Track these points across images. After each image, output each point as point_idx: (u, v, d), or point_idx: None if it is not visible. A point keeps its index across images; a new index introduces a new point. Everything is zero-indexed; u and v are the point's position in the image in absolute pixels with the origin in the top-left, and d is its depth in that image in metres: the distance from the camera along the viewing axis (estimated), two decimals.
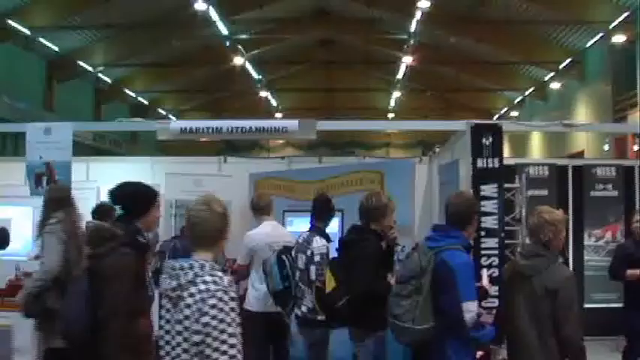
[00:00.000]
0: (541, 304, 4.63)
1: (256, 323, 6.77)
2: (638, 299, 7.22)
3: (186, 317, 3.11)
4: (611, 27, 22.75)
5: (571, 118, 23.33)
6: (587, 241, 10.53)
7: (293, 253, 6.43)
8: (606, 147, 23.71)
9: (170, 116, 32.73)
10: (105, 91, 29.79)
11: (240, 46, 27.77)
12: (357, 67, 34.20)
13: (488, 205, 6.65)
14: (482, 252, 6.64)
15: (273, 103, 37.62)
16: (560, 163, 11.10)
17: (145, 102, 33.82)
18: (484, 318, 4.69)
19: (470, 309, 4.51)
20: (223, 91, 34.89)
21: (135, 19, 23.17)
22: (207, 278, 3.15)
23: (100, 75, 28.72)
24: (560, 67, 27.77)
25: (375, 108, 36.94)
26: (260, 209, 7.24)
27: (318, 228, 6.44)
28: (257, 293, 6.89)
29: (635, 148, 21.24)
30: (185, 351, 3.11)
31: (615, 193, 10.61)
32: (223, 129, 8.14)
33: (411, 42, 27.28)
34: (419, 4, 22.41)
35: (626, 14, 22.01)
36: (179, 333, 3.14)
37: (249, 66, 31.02)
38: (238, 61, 28.75)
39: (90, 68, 27.37)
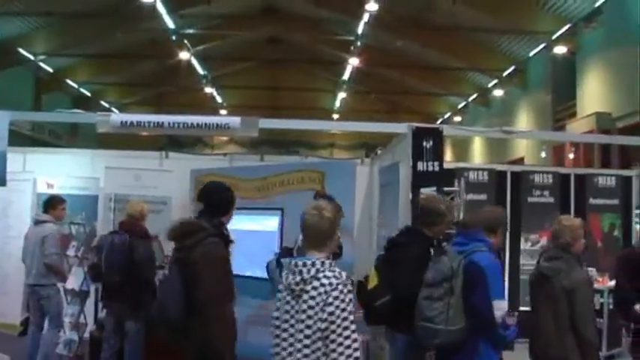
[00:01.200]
0: (560, 303, 5.08)
1: None
2: None
3: (310, 307, 3.57)
4: (553, 38, 23.25)
5: (512, 125, 23.82)
6: (524, 246, 10.72)
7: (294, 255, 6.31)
8: (543, 154, 24.22)
9: (113, 109, 32.18)
10: (46, 80, 29.00)
11: (186, 41, 27.47)
12: (303, 67, 34.25)
13: None
14: None
15: (219, 99, 37.35)
16: (500, 168, 11.28)
17: (88, 94, 33.14)
18: (508, 320, 4.94)
19: (500, 307, 4.84)
20: (168, 86, 34.52)
21: (79, 7, 22.67)
22: (329, 274, 3.62)
23: (41, 64, 27.94)
24: (504, 74, 28.25)
25: (320, 108, 37.00)
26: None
27: None
28: None
29: (571, 156, 21.76)
30: (307, 337, 3.54)
31: (552, 199, 10.83)
32: (164, 124, 8.06)
33: (358, 44, 27.38)
34: (367, 7, 22.50)
35: (568, 26, 22.53)
36: (302, 321, 3.59)
37: (194, 61, 30.71)
38: (184, 56, 28.42)
39: (30, 56, 26.63)
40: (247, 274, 7.91)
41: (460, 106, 35.64)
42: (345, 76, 32.86)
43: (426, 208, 5.67)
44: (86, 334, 8.51)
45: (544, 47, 24.53)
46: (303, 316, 3.59)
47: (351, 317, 3.58)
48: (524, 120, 27.48)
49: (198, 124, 8.05)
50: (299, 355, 3.59)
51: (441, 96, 35.95)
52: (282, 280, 3.85)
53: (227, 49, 32.26)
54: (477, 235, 5.06)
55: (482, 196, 10.51)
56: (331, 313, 3.50)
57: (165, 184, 9.96)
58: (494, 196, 10.67)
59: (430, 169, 6.79)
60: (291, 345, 3.65)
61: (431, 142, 6.82)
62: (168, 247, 7.32)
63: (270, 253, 7.54)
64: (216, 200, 5.18)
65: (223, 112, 35.56)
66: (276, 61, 33.03)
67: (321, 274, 3.62)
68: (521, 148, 26.70)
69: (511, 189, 10.86)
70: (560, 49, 23.07)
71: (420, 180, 6.73)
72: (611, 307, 9.09)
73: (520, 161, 24.82)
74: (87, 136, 25.66)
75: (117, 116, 9.54)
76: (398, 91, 34.67)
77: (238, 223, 8.11)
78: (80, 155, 11.50)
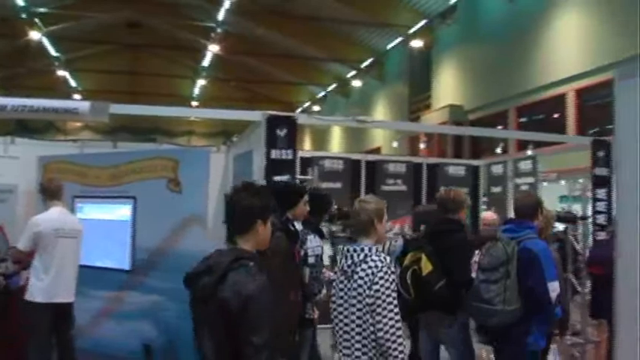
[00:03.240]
0: None
1: (41, 314, 6.42)
2: None
3: (359, 286, 4.18)
4: (410, 32, 23.94)
5: (370, 116, 24.32)
6: None
7: None
8: (395, 144, 24.94)
9: None
10: None
11: (37, 20, 26.17)
12: (163, 52, 33.55)
13: None
14: None
15: (72, 83, 35.93)
16: (355, 157, 11.47)
17: None
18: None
19: (554, 287, 5.26)
20: (18, 68, 32.80)
21: None
22: (375, 258, 4.21)
23: None
24: (362, 66, 28.82)
25: (179, 95, 36.39)
26: (50, 194, 6.83)
27: (311, 224, 6.14)
28: (41, 284, 6.50)
29: (422, 146, 22.55)
30: (358, 310, 4.20)
31: (404, 187, 11.13)
32: (8, 107, 7.58)
33: (219, 30, 27.15)
34: None
35: (424, 21, 23.27)
36: (354, 297, 4.22)
37: (46, 42, 29.35)
38: (35, 35, 27.11)
39: None
40: (98, 264, 7.63)
41: (319, 95, 36.09)
42: (205, 63, 32.49)
43: (446, 198, 6.05)
44: None
45: (401, 41, 25.23)
46: (354, 293, 4.22)
47: (394, 294, 4.16)
48: (381, 111, 28.18)
49: (44, 108, 7.62)
50: (353, 325, 4.26)
51: (300, 85, 36.25)
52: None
53: (83, 31, 30.98)
54: (524, 224, 5.55)
55: (338, 184, 10.67)
56: (377, 291, 4.12)
57: (11, 171, 9.42)
58: (350, 184, 10.85)
59: (284, 157, 6.76)
60: (345, 317, 4.31)
61: (285, 131, 6.79)
62: (13, 238, 6.99)
63: (123, 243, 7.35)
64: (281, 196, 5.22)
65: (78, 96, 34.25)
66: (136, 45, 32.13)
67: (368, 259, 4.22)
68: (378, 138, 27.37)
69: (366, 177, 11.08)
70: (416, 43, 23.80)
71: (273, 168, 6.70)
72: None
73: (377, 151, 25.44)
74: None
75: None
76: (258, 80, 34.64)
77: (89, 212, 7.87)
78: None
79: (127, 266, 7.48)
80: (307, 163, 9.81)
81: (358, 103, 30.64)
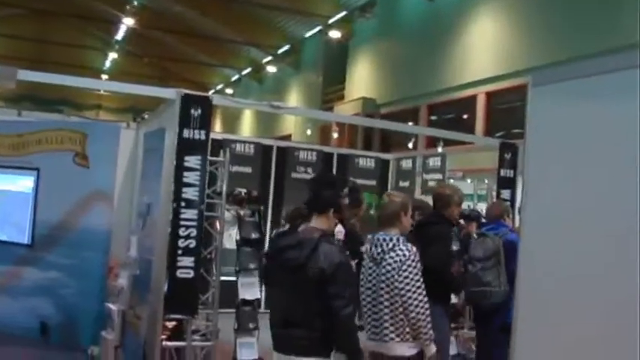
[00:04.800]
0: None
1: None
2: None
3: (388, 272, 4.67)
4: (329, 22, 23.97)
5: (283, 102, 24.25)
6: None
7: None
8: (309, 132, 25.01)
9: None
10: None
11: None
12: (74, 22, 32.47)
13: (191, 177, 6.57)
14: (181, 223, 6.55)
15: None
16: (266, 142, 11.44)
17: None
18: None
19: None
20: None
21: None
22: (402, 247, 4.71)
23: None
24: (279, 52, 28.70)
25: (89, 67, 35.41)
26: None
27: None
28: None
29: (335, 135, 22.69)
30: (387, 293, 4.68)
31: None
32: None
33: (135, 3, 26.48)
34: None
35: (344, 13, 23.35)
36: (382, 282, 4.70)
37: None
38: None
39: None
40: None
41: (234, 78, 35.78)
42: (119, 36, 31.68)
43: (436, 194, 6.58)
44: None
45: (319, 30, 25.22)
46: (383, 278, 4.70)
47: (421, 279, 4.67)
48: (294, 98, 28.17)
49: None
50: (382, 307, 4.72)
51: (215, 67, 35.83)
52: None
53: None
54: (501, 223, 6.69)
55: (248, 169, 10.61)
56: (406, 277, 4.62)
57: None
58: (260, 169, 10.81)
59: (197, 137, 6.64)
60: (374, 299, 4.78)
61: (199, 111, 6.67)
62: None
63: (23, 216, 7.10)
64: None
65: None
66: (46, 12, 30.93)
67: (397, 247, 4.70)
68: (289, 125, 27.38)
69: (276, 164, 11.06)
70: (334, 34, 23.84)
71: (185, 148, 6.58)
72: None
73: (288, 138, 25.43)
74: None
75: None
76: (172, 58, 34.06)
77: None
78: None
79: (26, 240, 7.23)
80: (218, 145, 9.71)
81: (272, 89, 30.54)
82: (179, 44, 31.20)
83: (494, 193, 9.01)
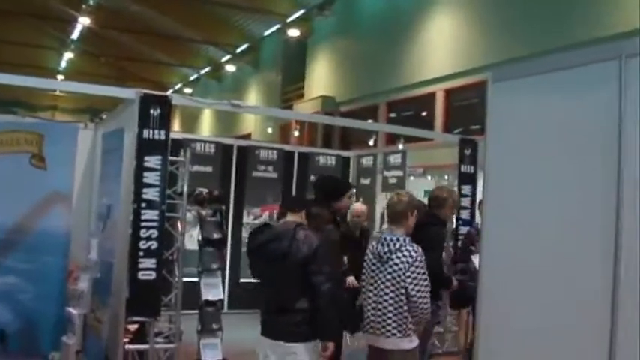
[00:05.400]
0: None
1: None
2: None
3: (395, 271, 4.89)
4: (287, 21, 23.90)
5: (243, 101, 24.13)
6: (246, 219, 10.92)
7: None
8: (270, 130, 24.94)
9: None
10: None
11: None
12: (29, 20, 31.79)
13: (151, 177, 6.49)
14: (142, 224, 6.48)
15: None
16: (226, 142, 11.37)
17: None
18: None
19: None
20: None
21: None
22: (409, 247, 4.93)
23: None
24: (237, 51, 28.55)
25: (44, 67, 34.80)
26: None
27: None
28: None
29: (297, 134, 22.66)
30: (392, 291, 4.89)
31: (275, 175, 11.14)
32: None
33: (90, 2, 26.09)
34: None
35: (302, 11, 23.29)
36: (388, 280, 4.92)
37: None
38: None
39: None
40: None
41: (192, 78, 35.51)
42: (74, 36, 31.20)
43: (433, 196, 6.78)
44: None
45: (278, 29, 25.14)
46: (389, 277, 4.91)
47: (426, 279, 4.89)
48: (254, 97, 28.06)
49: None
50: (385, 304, 4.92)
51: (173, 66, 35.51)
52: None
53: None
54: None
55: (209, 169, 10.55)
56: (414, 277, 4.84)
57: None
58: (221, 169, 10.75)
59: (156, 137, 6.56)
60: (379, 296, 4.96)
61: (158, 110, 6.60)
62: None
63: None
64: (328, 190, 6.11)
65: None
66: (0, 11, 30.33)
67: (403, 248, 4.91)
68: (249, 124, 27.26)
69: (237, 163, 11.00)
70: (293, 32, 23.78)
71: (145, 148, 6.50)
72: None
73: (247, 137, 25.34)
74: None
75: None
76: (129, 57, 33.64)
77: None
78: None
79: None
80: (178, 145, 9.60)
81: (231, 88, 30.38)
82: (136, 43, 30.83)
83: (456, 189, 9.07)
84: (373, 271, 5.06)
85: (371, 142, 19.03)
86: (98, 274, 6.64)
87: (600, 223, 3.38)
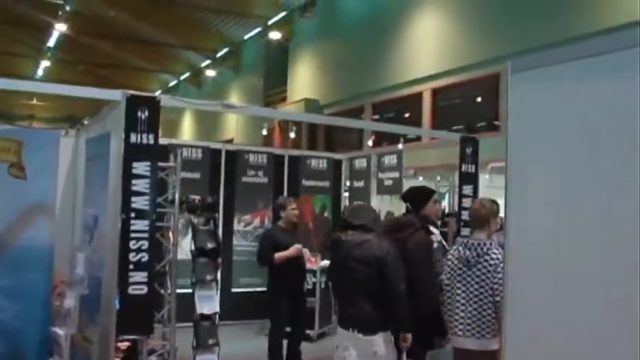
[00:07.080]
0: None
1: None
2: (281, 283, 7.30)
3: (483, 274, 5.06)
4: (269, 23, 23.59)
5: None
6: (237, 227, 10.51)
7: None
8: (264, 132, 24.54)
9: None
10: None
11: None
12: (3, 28, 31.23)
13: (140, 184, 6.04)
14: (132, 235, 6.04)
15: None
16: (215, 146, 10.93)
17: None
18: None
19: None
20: None
21: None
22: (495, 251, 5.09)
23: None
24: (217, 55, 28.20)
25: (19, 76, 34.10)
26: None
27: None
28: None
29: (292, 135, 22.35)
30: (480, 293, 5.06)
31: (265, 179, 10.74)
32: None
33: (67, 9, 25.58)
34: None
35: (284, 13, 22.99)
36: (476, 283, 5.08)
37: None
38: None
39: None
40: None
41: (172, 84, 35.11)
42: (51, 43, 30.62)
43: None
44: None
45: (259, 32, 24.83)
46: (477, 279, 5.10)
47: None
48: (235, 101, 27.68)
49: None
50: (475, 306, 5.09)
51: (152, 72, 35.08)
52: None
53: None
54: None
55: (197, 175, 10.12)
56: (500, 278, 4.88)
57: None
58: (209, 174, 10.32)
59: (145, 141, 6.13)
60: (467, 299, 5.13)
61: (146, 113, 6.16)
62: None
63: None
64: (414, 198, 6.25)
65: None
66: None
67: (490, 252, 5.10)
68: (231, 129, 26.92)
69: (225, 168, 10.58)
70: (274, 35, 23.47)
71: (133, 153, 6.05)
72: (322, 286, 9.24)
73: (230, 142, 25.00)
74: None
75: None
76: (107, 64, 33.09)
77: None
78: None
79: None
80: (164, 150, 9.19)
81: (212, 93, 29.98)
82: (114, 50, 30.32)
83: (457, 189, 8.73)
84: (460, 275, 5.24)
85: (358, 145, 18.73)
86: (86, 290, 6.20)
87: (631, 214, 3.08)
